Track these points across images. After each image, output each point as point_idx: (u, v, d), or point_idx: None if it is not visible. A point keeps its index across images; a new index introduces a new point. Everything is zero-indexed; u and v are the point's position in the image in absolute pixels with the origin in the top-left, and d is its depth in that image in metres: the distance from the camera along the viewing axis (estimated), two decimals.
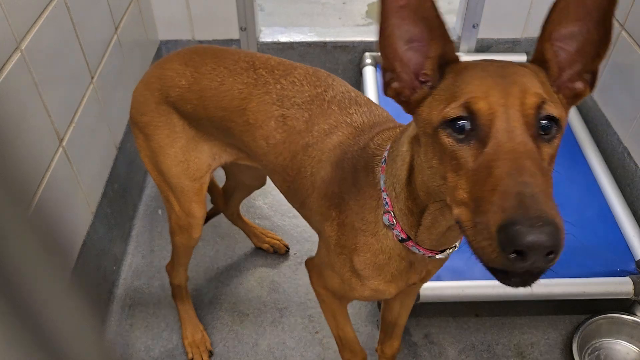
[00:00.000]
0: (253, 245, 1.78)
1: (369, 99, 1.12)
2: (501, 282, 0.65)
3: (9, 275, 0.24)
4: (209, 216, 1.63)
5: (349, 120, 1.05)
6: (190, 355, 1.50)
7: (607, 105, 1.88)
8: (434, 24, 0.70)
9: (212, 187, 1.61)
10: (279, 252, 1.76)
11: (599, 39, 0.69)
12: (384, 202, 0.89)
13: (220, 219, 1.74)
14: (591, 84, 0.74)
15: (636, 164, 1.68)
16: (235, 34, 2.19)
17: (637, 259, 1.51)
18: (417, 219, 0.86)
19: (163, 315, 1.60)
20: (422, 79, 0.75)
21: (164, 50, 2.21)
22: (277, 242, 1.76)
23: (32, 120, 1.22)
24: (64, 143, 1.36)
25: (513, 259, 0.59)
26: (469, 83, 0.69)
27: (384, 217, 0.90)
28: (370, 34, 2.31)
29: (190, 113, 1.17)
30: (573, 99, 0.75)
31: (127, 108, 1.83)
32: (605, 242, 1.56)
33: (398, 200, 0.87)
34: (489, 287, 1.46)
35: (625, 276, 1.47)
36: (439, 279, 1.46)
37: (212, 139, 1.21)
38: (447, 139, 0.68)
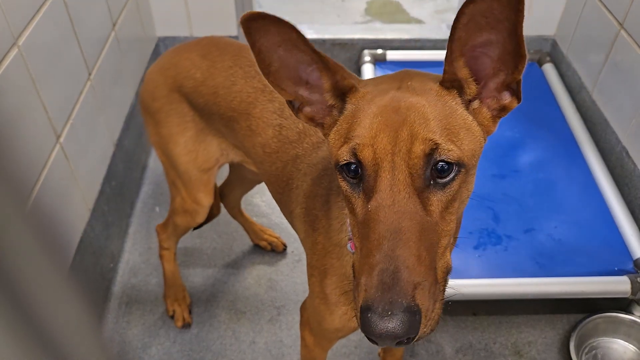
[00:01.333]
0: (251, 244, 1.78)
1: None
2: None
3: (6, 272, 0.24)
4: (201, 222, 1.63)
5: None
6: (171, 313, 1.56)
7: (605, 105, 1.87)
8: (313, 59, 0.68)
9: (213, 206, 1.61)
10: (277, 250, 1.76)
11: (513, 51, 0.66)
12: (348, 227, 0.86)
13: (218, 217, 1.73)
14: (517, 95, 0.71)
15: (634, 163, 1.68)
16: (233, 31, 2.18)
17: (634, 258, 1.51)
18: None
19: (160, 313, 1.59)
20: (329, 105, 0.73)
21: (162, 47, 2.20)
22: (275, 239, 1.76)
23: (29, 117, 1.21)
24: (61, 140, 1.35)
25: (370, 339, 0.61)
26: (359, 124, 0.66)
27: (348, 243, 0.87)
28: (369, 32, 2.31)
29: (202, 107, 1.16)
30: (500, 111, 0.71)
31: (124, 105, 1.83)
32: (603, 241, 1.57)
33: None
34: (487, 286, 1.46)
35: (622, 275, 1.47)
36: None
37: (221, 136, 1.20)
38: (342, 182, 0.68)
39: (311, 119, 0.74)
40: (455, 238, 0.89)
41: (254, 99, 1.09)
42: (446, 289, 0.69)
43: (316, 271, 0.96)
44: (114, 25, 1.74)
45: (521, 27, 0.65)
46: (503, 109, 0.71)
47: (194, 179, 1.25)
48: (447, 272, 0.68)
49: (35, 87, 1.23)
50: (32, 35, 1.22)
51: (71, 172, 1.40)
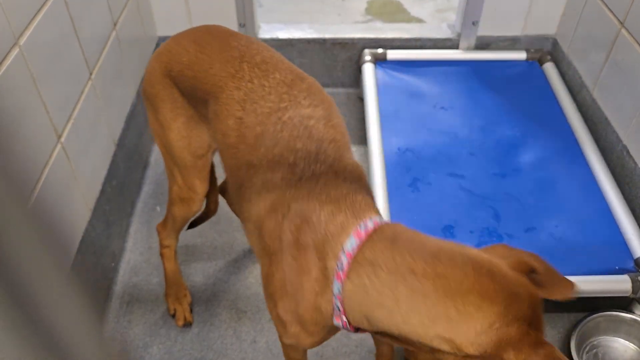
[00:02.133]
0: None
1: (337, 134, 0.99)
2: None
3: (7, 272, 0.24)
4: (196, 221, 1.63)
5: (291, 159, 0.93)
6: (172, 312, 1.56)
7: (606, 104, 1.87)
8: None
9: (209, 190, 1.61)
10: None
11: None
12: (336, 307, 0.84)
13: (218, 215, 1.74)
14: None
15: (635, 162, 1.67)
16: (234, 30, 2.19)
17: (635, 257, 1.51)
18: None
19: (161, 312, 1.60)
20: None
21: None
22: None
23: (30, 117, 1.21)
24: (62, 139, 1.35)
25: None
26: None
27: (334, 319, 0.85)
28: (369, 31, 2.31)
29: (187, 91, 1.16)
30: None
31: (125, 104, 1.84)
32: (603, 240, 1.56)
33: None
34: None
35: (623, 274, 1.47)
36: None
37: (209, 122, 1.19)
38: None
39: None
40: None
41: (224, 84, 1.06)
42: None
43: (269, 292, 0.96)
44: (115, 24, 1.74)
45: None
46: None
47: (188, 165, 1.25)
48: None
49: (36, 87, 1.23)
50: (33, 35, 1.22)
51: (72, 172, 1.41)
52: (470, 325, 0.70)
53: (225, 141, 1.05)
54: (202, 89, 1.11)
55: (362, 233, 0.82)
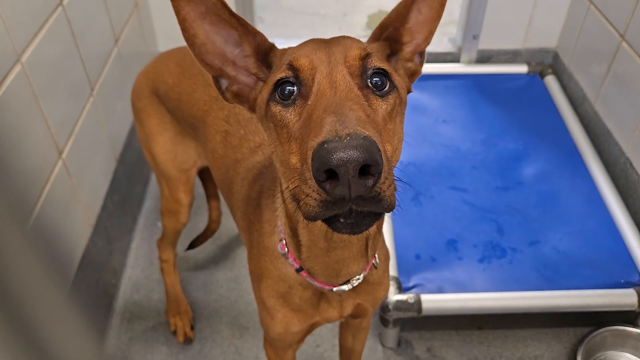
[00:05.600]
0: None
1: None
2: (333, 229, 0.60)
3: (8, 289, 0.23)
4: (199, 239, 1.64)
5: None
6: (173, 328, 1.56)
7: (608, 116, 1.87)
8: (233, 23, 0.70)
9: (211, 209, 1.61)
10: None
11: (432, 18, 0.75)
12: (279, 229, 0.86)
13: (219, 231, 1.73)
14: (421, 63, 0.79)
15: (638, 175, 1.67)
16: None
17: None
18: (297, 237, 0.81)
19: (162, 329, 1.58)
20: (255, 77, 0.74)
21: None
22: None
23: (31, 133, 1.21)
24: (64, 155, 1.35)
25: (329, 186, 0.54)
26: (291, 53, 0.69)
27: (278, 244, 0.86)
28: None
29: (173, 111, 1.22)
30: (411, 75, 0.78)
31: (127, 120, 1.84)
32: (608, 253, 1.55)
33: (283, 221, 0.84)
34: (492, 300, 1.44)
35: (629, 288, 1.46)
36: (441, 291, 1.45)
37: (196, 139, 1.24)
38: (275, 107, 0.67)
39: (237, 96, 0.75)
40: (359, 262, 0.85)
41: (209, 107, 1.12)
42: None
43: (254, 276, 0.95)
44: (117, 40, 1.75)
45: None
46: (413, 74, 0.78)
47: (173, 177, 1.31)
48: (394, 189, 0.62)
49: (37, 103, 1.23)
50: (36, 52, 1.22)
51: (73, 188, 1.40)
52: None
53: (215, 155, 1.11)
54: (188, 113, 1.16)
55: None
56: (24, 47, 1.19)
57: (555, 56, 2.29)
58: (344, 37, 0.71)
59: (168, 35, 2.18)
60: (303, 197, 0.58)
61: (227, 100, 0.75)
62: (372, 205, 0.57)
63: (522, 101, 2.11)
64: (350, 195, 0.54)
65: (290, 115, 0.65)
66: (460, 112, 2.05)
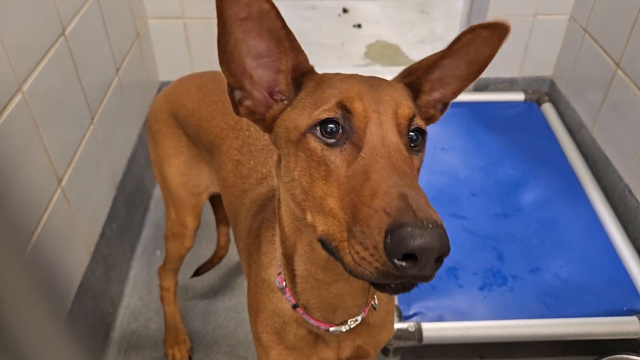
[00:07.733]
0: None
1: None
2: (381, 290, 0.60)
3: (3, 318, 0.23)
4: (206, 266, 1.63)
5: None
6: (171, 358, 1.53)
7: (606, 143, 1.88)
8: (281, 36, 0.66)
9: (220, 234, 1.61)
10: None
11: (467, 76, 0.74)
12: (278, 262, 0.84)
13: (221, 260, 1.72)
14: (442, 111, 0.80)
15: (638, 201, 1.67)
16: None
17: None
18: (291, 266, 0.78)
19: (160, 359, 1.56)
20: (277, 97, 0.71)
21: None
22: None
23: (31, 161, 1.22)
24: (63, 183, 1.35)
25: (401, 266, 0.54)
26: (337, 87, 0.66)
27: (276, 278, 0.84)
28: (369, 74, 2.34)
29: (191, 135, 1.22)
30: (427, 120, 0.79)
31: (126, 148, 1.85)
32: (610, 280, 1.54)
33: (280, 252, 0.82)
34: (494, 328, 1.43)
35: (632, 315, 1.44)
36: (441, 319, 1.43)
37: (210, 165, 1.24)
38: (315, 143, 0.64)
39: (251, 113, 0.72)
40: (358, 299, 0.85)
41: (225, 136, 1.13)
42: None
43: (251, 310, 0.93)
44: (118, 70, 1.77)
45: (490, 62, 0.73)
46: (430, 119, 0.79)
47: (183, 201, 1.30)
48: None
49: (38, 132, 1.24)
50: (37, 81, 1.23)
51: (72, 215, 1.40)
52: None
53: (225, 184, 1.12)
54: (206, 139, 1.17)
55: None
56: (26, 76, 1.20)
57: (552, 84, 2.31)
58: (388, 85, 0.69)
59: (169, 65, 2.20)
60: (355, 256, 0.57)
61: (238, 113, 0.73)
62: (432, 274, 0.59)
63: (519, 128, 2.13)
64: (418, 275, 0.56)
65: (336, 158, 0.63)
66: (459, 139, 2.06)
